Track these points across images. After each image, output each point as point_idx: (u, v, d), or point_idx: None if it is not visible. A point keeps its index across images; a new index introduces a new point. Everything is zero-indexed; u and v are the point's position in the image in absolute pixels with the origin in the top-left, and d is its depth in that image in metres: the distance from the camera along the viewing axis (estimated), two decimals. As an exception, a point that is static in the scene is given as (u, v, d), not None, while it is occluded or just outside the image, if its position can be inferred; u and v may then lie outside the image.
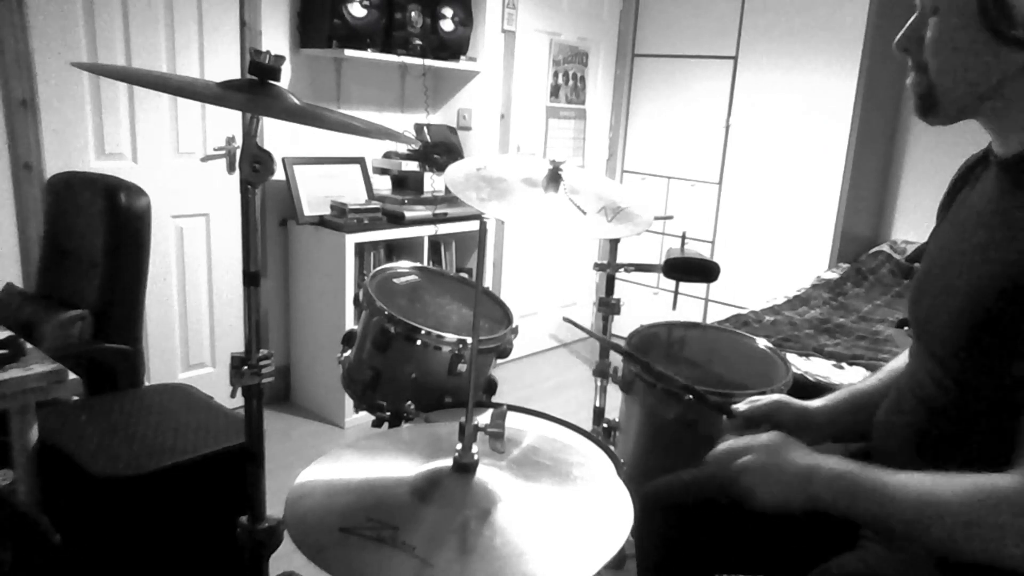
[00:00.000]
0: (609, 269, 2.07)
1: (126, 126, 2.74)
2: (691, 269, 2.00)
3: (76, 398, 1.77)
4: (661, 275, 1.98)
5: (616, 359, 2.07)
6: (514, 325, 1.83)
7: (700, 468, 1.21)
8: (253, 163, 1.18)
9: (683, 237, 2.08)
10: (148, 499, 1.64)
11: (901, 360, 1.25)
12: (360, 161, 3.38)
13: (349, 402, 3.03)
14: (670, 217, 3.92)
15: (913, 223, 3.88)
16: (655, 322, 2.05)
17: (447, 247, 3.61)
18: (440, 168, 3.35)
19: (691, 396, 1.49)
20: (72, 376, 1.53)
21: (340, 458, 1.01)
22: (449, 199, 3.34)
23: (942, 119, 0.98)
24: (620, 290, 3.43)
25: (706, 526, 1.25)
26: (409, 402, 1.64)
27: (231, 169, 1.21)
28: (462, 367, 1.68)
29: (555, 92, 4.04)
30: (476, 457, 0.92)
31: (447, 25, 3.39)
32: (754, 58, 3.82)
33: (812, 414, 1.26)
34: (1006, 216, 0.92)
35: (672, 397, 1.74)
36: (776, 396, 1.29)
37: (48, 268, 2.31)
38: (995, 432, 0.89)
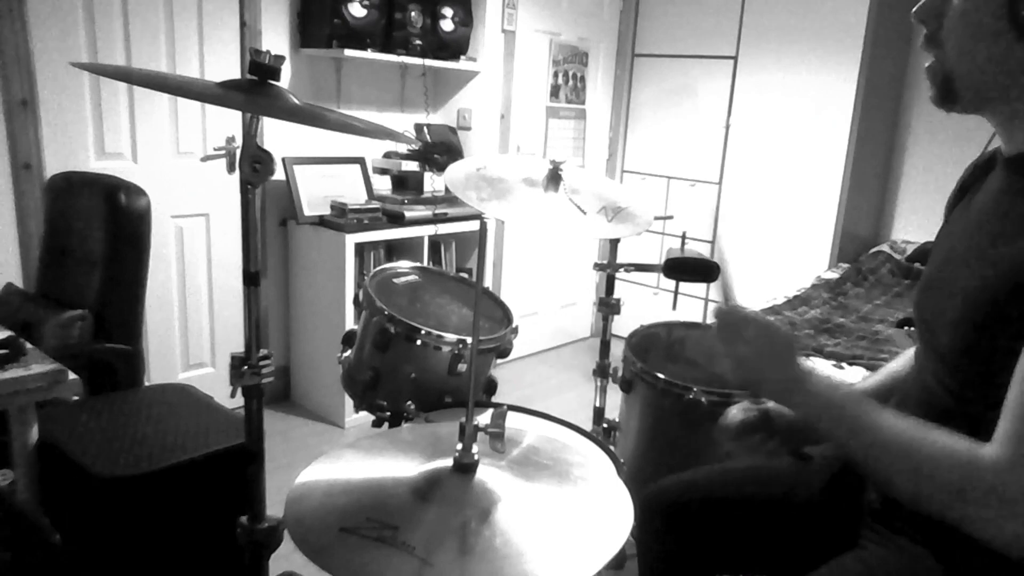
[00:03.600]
0: (609, 269, 2.07)
1: (126, 126, 2.74)
2: (691, 269, 2.00)
3: (76, 398, 1.77)
4: (661, 275, 1.98)
5: (616, 359, 2.08)
6: (514, 325, 1.83)
7: (698, 469, 1.20)
8: (253, 163, 1.18)
9: (683, 237, 2.08)
10: (148, 499, 1.64)
11: (900, 361, 1.25)
12: (360, 161, 3.38)
13: (349, 402, 3.03)
14: (670, 217, 3.92)
15: (913, 223, 3.88)
16: (655, 322, 2.05)
17: (447, 247, 3.61)
18: (440, 168, 3.35)
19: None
20: (72, 376, 1.53)
21: (340, 458, 1.00)
22: (449, 199, 3.34)
23: (960, 108, 0.96)
24: (620, 290, 3.43)
25: (707, 527, 1.25)
26: (409, 402, 1.64)
27: (231, 169, 1.21)
28: (462, 367, 1.68)
29: (555, 92, 4.04)
30: (476, 457, 0.92)
31: (447, 25, 3.39)
32: (754, 58, 3.82)
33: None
34: (1010, 213, 0.92)
35: (672, 397, 1.74)
36: (771, 403, 1.27)
37: (48, 268, 2.31)
38: None
